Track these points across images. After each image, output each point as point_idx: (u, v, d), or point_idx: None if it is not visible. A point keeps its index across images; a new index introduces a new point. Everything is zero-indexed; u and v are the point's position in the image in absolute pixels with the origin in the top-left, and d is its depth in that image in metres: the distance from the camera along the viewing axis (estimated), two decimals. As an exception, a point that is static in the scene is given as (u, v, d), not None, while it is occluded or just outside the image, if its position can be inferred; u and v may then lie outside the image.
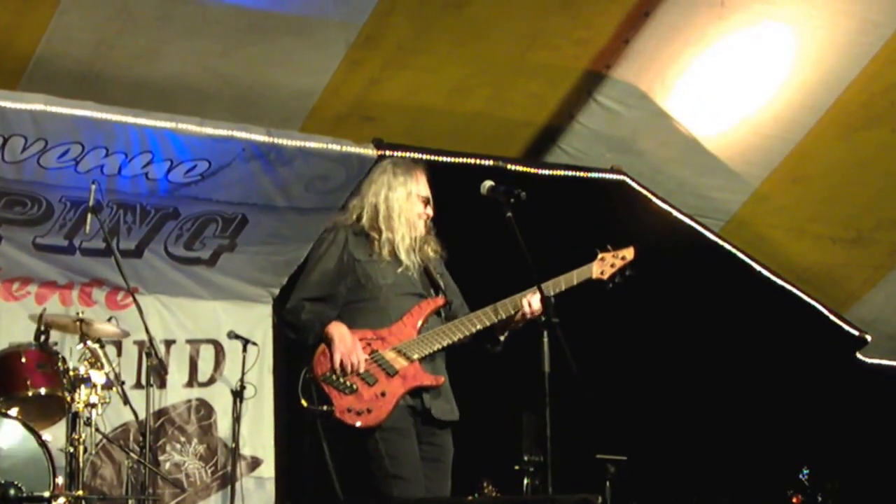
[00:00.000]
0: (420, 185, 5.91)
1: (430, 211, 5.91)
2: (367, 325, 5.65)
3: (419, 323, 5.69)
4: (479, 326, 5.73)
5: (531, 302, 5.68)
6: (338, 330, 5.57)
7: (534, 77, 8.74)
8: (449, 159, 8.69)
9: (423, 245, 5.87)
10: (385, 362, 5.57)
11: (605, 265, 5.93)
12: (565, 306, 5.69)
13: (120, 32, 7.71)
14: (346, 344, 5.52)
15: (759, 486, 9.21)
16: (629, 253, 5.98)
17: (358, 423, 5.45)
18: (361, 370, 5.51)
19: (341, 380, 5.51)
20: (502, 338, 5.85)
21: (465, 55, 8.48)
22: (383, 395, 5.51)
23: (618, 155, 9.28)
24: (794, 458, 9.06)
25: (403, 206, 5.81)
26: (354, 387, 5.50)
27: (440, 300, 5.80)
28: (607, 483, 8.50)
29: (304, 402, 5.53)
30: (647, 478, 8.95)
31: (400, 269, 5.73)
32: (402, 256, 5.73)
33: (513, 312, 5.73)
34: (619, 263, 5.95)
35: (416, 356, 5.61)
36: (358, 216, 5.87)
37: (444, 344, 5.67)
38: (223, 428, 9.11)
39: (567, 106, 9.01)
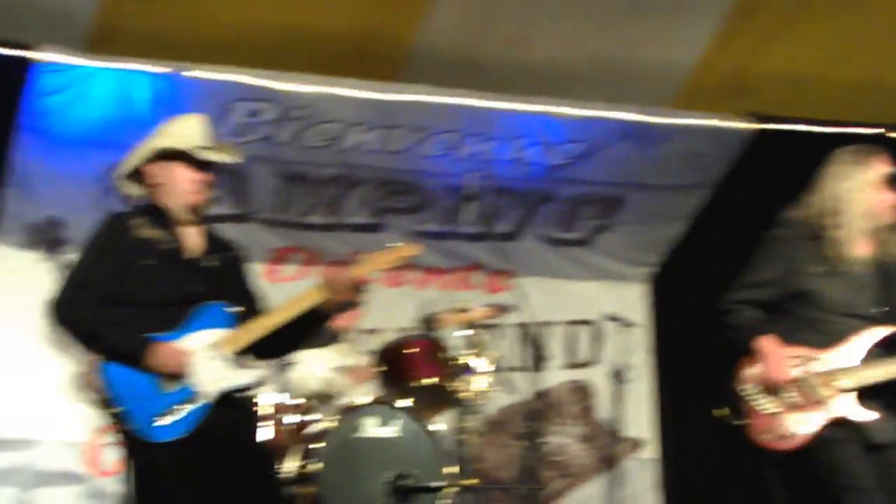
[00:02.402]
0: (876, 170, 5.38)
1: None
2: (805, 342, 5.30)
3: (863, 350, 5.25)
4: None
5: None
6: (770, 346, 5.27)
7: (920, 40, 8.25)
8: (831, 130, 8.36)
9: (885, 242, 5.37)
10: (814, 387, 5.22)
11: None
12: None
13: (494, 20, 7.74)
14: (775, 363, 5.24)
15: None
16: None
17: (773, 447, 5.20)
18: (787, 393, 5.23)
19: (763, 399, 5.27)
20: None
21: (845, 22, 8.07)
22: (805, 423, 5.20)
23: None
24: None
25: (855, 198, 5.33)
26: (776, 408, 5.24)
27: (893, 329, 5.30)
28: None
29: (722, 412, 5.32)
30: None
31: (850, 279, 5.31)
32: (850, 254, 5.30)
33: None
34: None
35: (850, 387, 5.21)
36: (811, 213, 5.42)
37: (880, 379, 5.22)
38: (603, 409, 9.06)
39: (959, 66, 8.46)
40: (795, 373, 5.25)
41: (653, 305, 9.31)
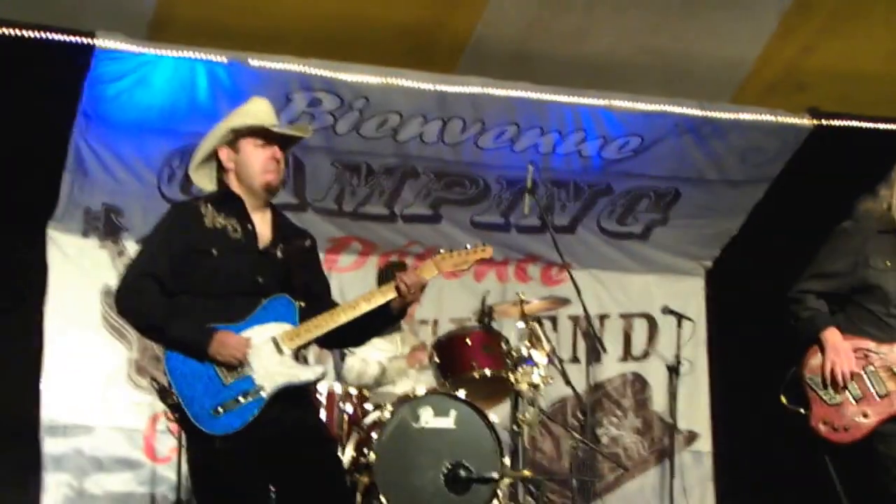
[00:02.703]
0: None
1: None
2: (869, 335, 5.28)
3: None
4: None
5: None
6: (833, 337, 5.26)
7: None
8: (888, 126, 8.35)
9: None
10: (878, 381, 5.22)
11: None
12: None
13: (553, 13, 7.74)
14: (837, 354, 5.22)
15: None
16: None
17: (831, 438, 5.18)
18: (849, 385, 5.21)
19: (826, 389, 5.24)
20: None
21: (901, 19, 8.04)
22: (865, 416, 5.18)
23: None
24: None
25: None
26: (838, 399, 5.21)
27: None
28: None
29: (783, 399, 5.31)
30: None
31: None
32: None
33: None
34: None
35: None
36: (884, 208, 5.36)
37: None
38: (658, 402, 9.08)
39: None
40: (860, 364, 5.23)
41: (709, 299, 9.28)
